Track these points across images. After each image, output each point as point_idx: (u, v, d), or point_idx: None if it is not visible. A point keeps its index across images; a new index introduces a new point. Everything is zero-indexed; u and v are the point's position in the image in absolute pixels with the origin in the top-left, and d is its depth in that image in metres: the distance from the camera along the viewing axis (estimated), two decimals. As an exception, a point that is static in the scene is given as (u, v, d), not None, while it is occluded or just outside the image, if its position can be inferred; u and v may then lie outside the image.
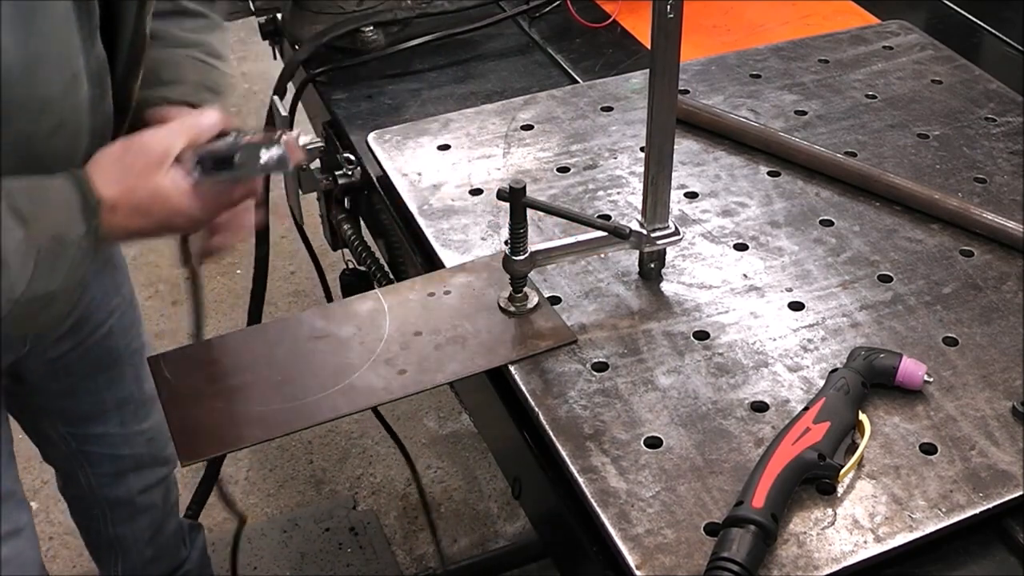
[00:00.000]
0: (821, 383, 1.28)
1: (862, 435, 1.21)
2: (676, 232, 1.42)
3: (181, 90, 1.42)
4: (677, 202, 1.57)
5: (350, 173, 1.74)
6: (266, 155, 1.23)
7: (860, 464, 1.20)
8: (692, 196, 1.59)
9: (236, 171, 1.24)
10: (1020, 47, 1.99)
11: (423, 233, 1.54)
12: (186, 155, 1.22)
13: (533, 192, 1.46)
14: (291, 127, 1.75)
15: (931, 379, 1.28)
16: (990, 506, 1.17)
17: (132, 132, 1.31)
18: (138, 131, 1.28)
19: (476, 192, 1.60)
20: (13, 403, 1.68)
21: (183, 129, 1.22)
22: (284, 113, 1.73)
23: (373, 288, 1.56)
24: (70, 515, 2.09)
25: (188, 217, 1.23)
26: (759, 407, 1.27)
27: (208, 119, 1.25)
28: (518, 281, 1.39)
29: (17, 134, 1.11)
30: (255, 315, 2.07)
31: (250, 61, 3.98)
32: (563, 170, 1.65)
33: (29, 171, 1.14)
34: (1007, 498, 1.17)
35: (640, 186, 1.44)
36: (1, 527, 1.57)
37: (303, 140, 1.28)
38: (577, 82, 1.90)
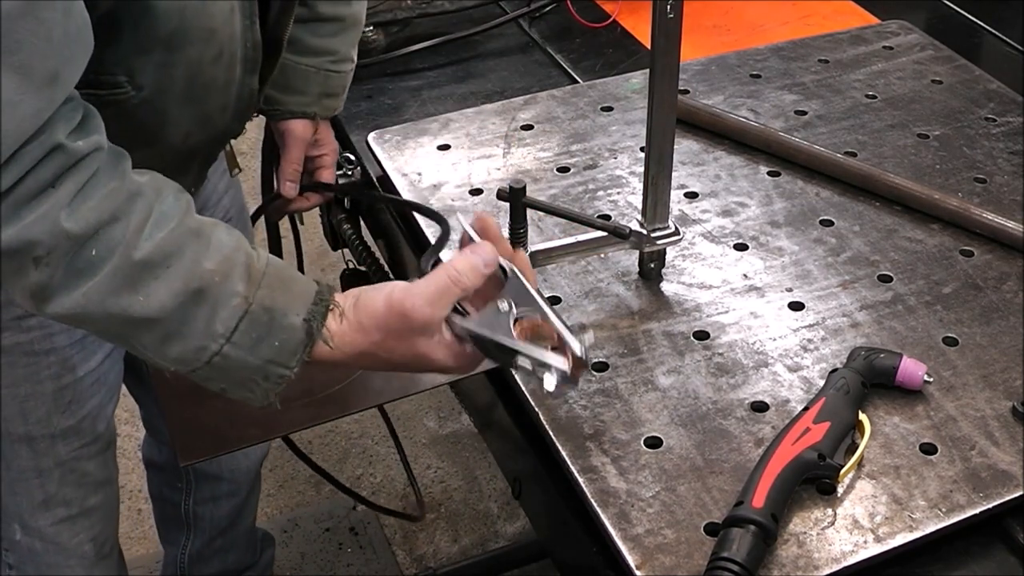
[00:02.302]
0: (821, 383, 1.28)
1: (862, 435, 1.21)
2: (676, 232, 1.42)
3: (303, 100, 1.54)
4: (677, 202, 1.57)
5: (350, 173, 1.74)
6: (549, 380, 1.06)
7: (860, 464, 1.20)
8: (692, 196, 1.59)
9: (507, 366, 1.11)
10: (1020, 47, 1.99)
11: (423, 233, 1.54)
12: (455, 322, 1.10)
13: (533, 192, 1.46)
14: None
15: (931, 379, 1.28)
16: (990, 506, 1.16)
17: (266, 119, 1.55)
18: (285, 145, 1.53)
19: (476, 192, 1.60)
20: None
21: (449, 293, 1.10)
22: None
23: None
24: (148, 488, 2.10)
25: (443, 369, 1.16)
26: (759, 407, 1.27)
27: (473, 275, 1.11)
28: (518, 281, 1.39)
29: (189, 59, 1.22)
30: None
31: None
32: (563, 170, 1.65)
33: (194, 95, 1.25)
34: (1007, 498, 1.17)
35: (640, 186, 1.44)
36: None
37: (587, 341, 1.07)
38: (577, 82, 1.90)
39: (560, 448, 1.23)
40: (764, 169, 1.65)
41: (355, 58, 1.60)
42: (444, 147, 1.69)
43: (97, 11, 1.06)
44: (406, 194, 1.60)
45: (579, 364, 1.07)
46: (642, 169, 1.40)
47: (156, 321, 1.05)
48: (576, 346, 1.07)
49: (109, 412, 1.62)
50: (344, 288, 1.74)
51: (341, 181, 1.73)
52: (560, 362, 1.06)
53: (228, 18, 1.25)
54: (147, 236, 1.04)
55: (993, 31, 2.05)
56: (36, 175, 1.00)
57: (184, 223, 1.07)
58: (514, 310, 1.10)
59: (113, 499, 1.71)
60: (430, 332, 1.10)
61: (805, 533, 1.14)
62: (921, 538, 1.14)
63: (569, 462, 1.21)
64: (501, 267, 1.13)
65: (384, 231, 1.74)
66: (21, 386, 1.48)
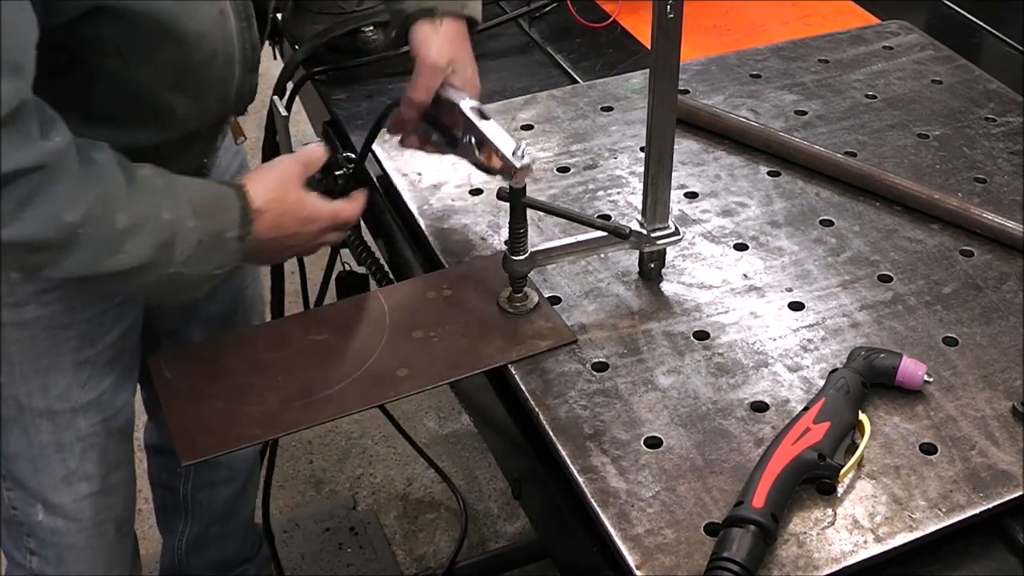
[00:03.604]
0: (821, 383, 1.28)
1: (862, 435, 1.21)
2: (676, 232, 1.42)
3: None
4: (677, 202, 1.57)
5: (349, 171, 1.73)
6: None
7: (860, 464, 1.20)
8: (692, 196, 1.59)
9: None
10: (1020, 47, 1.99)
11: (423, 233, 1.54)
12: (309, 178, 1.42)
13: (533, 192, 1.46)
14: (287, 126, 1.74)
15: (931, 379, 1.28)
16: (990, 506, 1.17)
17: (396, 43, 1.57)
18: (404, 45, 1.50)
19: (476, 192, 1.60)
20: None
21: (299, 159, 1.42)
22: (284, 112, 1.72)
23: (373, 288, 1.56)
24: (148, 474, 2.11)
25: (318, 225, 1.41)
26: (759, 407, 1.27)
27: (315, 153, 1.44)
28: (518, 281, 1.39)
29: (175, 58, 1.28)
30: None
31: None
32: (563, 170, 1.65)
33: (187, 89, 1.32)
34: (1007, 498, 1.17)
35: (640, 186, 1.44)
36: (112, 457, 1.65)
37: (522, 146, 1.38)
38: (577, 82, 1.90)
39: (560, 448, 1.23)
40: (764, 169, 1.65)
41: None
42: (444, 147, 1.68)
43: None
44: (406, 195, 1.60)
45: (525, 169, 1.36)
46: (642, 169, 1.40)
47: (136, 269, 1.24)
48: (517, 162, 1.35)
49: (128, 389, 1.63)
50: (340, 293, 1.75)
51: (341, 181, 1.73)
52: (516, 174, 1.36)
53: (219, 21, 1.28)
54: (121, 206, 1.20)
55: (993, 31, 2.06)
56: (30, 179, 1.10)
57: (138, 184, 1.23)
58: (474, 142, 1.41)
59: (131, 480, 1.73)
60: (300, 182, 1.38)
61: (805, 533, 1.14)
62: (921, 538, 1.14)
63: (569, 462, 1.21)
64: (478, 111, 1.42)
65: (384, 231, 1.74)
66: (42, 359, 1.49)
